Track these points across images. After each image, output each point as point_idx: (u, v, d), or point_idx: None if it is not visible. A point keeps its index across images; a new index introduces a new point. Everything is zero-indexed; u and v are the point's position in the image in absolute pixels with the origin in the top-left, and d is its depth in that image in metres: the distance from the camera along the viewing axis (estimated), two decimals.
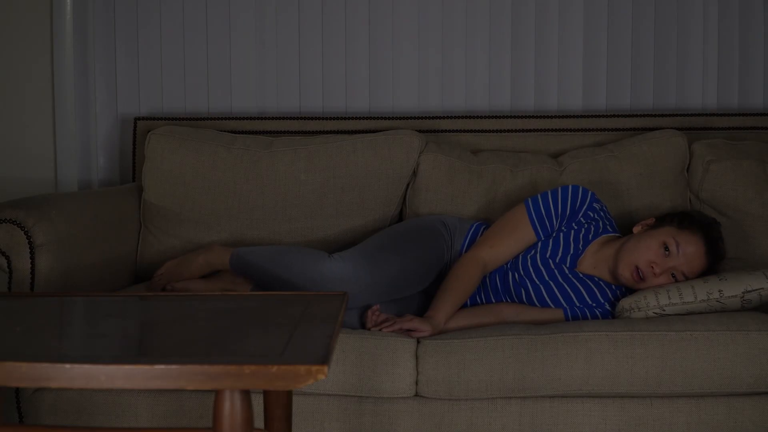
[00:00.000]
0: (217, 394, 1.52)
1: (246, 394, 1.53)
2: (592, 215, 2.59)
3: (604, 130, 3.12)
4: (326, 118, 3.16)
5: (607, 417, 2.28)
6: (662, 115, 3.14)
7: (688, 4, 3.27)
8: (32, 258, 2.47)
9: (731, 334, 2.27)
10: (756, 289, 2.38)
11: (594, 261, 2.56)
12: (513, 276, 2.55)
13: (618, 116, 3.14)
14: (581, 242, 2.56)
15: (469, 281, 2.50)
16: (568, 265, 2.55)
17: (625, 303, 2.45)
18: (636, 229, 2.58)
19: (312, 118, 3.17)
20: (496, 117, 3.15)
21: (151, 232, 2.99)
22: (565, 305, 2.51)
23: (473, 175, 2.92)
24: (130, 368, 1.48)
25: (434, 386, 2.27)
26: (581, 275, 2.55)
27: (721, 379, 2.25)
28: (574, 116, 3.15)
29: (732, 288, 2.38)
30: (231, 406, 1.52)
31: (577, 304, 2.51)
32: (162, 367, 1.47)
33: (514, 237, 2.57)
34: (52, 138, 3.26)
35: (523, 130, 3.12)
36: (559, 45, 3.27)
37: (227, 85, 3.32)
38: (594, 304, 2.52)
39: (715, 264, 2.52)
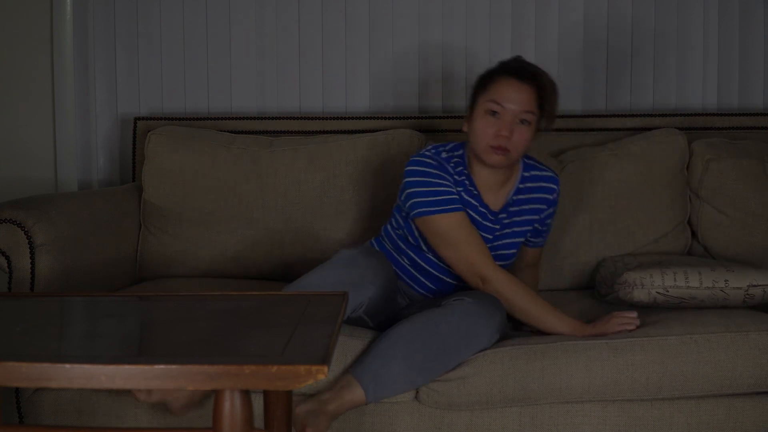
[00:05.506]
0: (217, 394, 1.52)
1: (246, 394, 1.53)
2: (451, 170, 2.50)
3: (604, 129, 3.12)
4: (326, 118, 3.16)
5: (607, 418, 2.28)
6: (662, 115, 3.14)
7: (688, 4, 3.27)
8: (32, 258, 2.47)
9: (731, 336, 2.26)
10: (761, 285, 2.37)
11: (476, 167, 2.48)
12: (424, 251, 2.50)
13: (618, 116, 3.14)
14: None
15: (522, 287, 2.38)
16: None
17: (629, 277, 2.42)
18: (464, 127, 2.48)
19: (312, 118, 3.17)
20: None
21: (151, 232, 2.98)
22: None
23: None
24: (130, 368, 1.47)
25: (435, 397, 2.27)
26: None
27: (722, 380, 2.25)
28: (574, 116, 3.15)
29: (738, 279, 2.38)
30: (231, 406, 1.52)
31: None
32: (162, 367, 1.47)
33: (465, 231, 2.42)
34: (52, 138, 3.26)
35: None
36: (559, 45, 3.27)
37: (227, 85, 3.32)
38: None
39: (546, 85, 2.40)
